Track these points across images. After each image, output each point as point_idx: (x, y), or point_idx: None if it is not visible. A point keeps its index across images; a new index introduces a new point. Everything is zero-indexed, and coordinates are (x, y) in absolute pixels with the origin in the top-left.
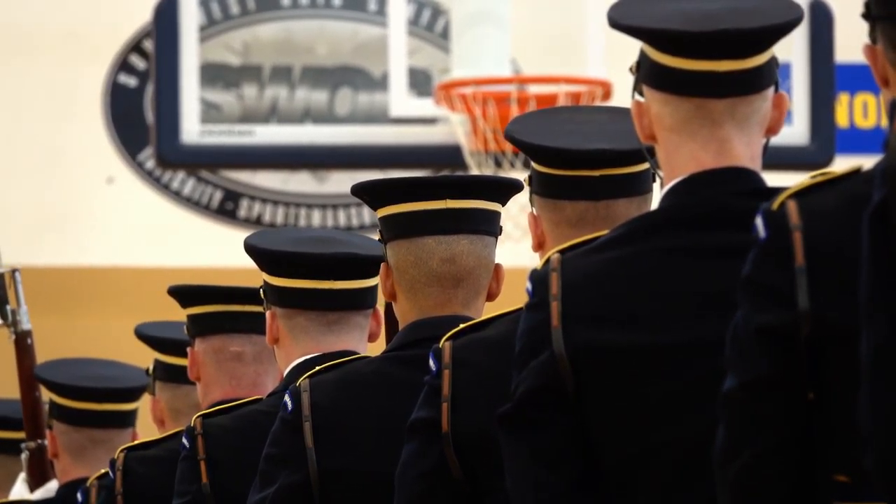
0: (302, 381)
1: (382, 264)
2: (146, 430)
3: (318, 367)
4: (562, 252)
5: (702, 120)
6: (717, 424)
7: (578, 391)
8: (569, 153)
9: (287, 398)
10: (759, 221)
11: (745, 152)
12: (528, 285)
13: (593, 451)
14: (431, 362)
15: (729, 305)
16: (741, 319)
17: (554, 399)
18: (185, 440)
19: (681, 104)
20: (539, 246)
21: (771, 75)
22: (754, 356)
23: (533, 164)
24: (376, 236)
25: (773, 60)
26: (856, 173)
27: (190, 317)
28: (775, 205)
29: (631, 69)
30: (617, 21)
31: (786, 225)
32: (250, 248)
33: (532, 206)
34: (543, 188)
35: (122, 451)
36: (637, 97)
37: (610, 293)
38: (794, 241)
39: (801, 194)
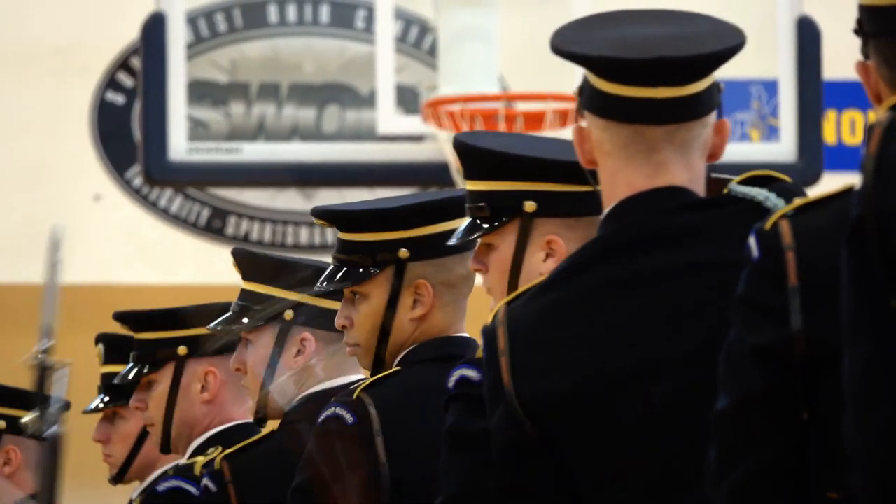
0: (359, 394)
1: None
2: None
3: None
4: (508, 303)
5: (639, 145)
6: (683, 443)
7: (543, 434)
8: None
9: (343, 411)
10: (751, 241)
11: (683, 174)
12: (481, 341)
13: (571, 478)
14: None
15: (673, 326)
16: (735, 339)
17: (524, 453)
18: (209, 483)
19: (620, 130)
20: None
21: (711, 101)
22: (747, 375)
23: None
24: None
25: (715, 86)
26: (847, 192)
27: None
28: (768, 225)
29: (575, 94)
30: (557, 47)
31: (778, 245)
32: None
33: None
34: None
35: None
36: (580, 122)
37: (553, 337)
38: (787, 261)
39: (793, 214)
